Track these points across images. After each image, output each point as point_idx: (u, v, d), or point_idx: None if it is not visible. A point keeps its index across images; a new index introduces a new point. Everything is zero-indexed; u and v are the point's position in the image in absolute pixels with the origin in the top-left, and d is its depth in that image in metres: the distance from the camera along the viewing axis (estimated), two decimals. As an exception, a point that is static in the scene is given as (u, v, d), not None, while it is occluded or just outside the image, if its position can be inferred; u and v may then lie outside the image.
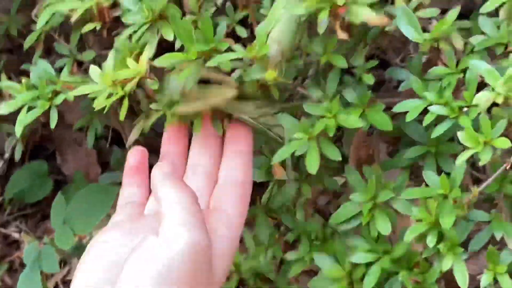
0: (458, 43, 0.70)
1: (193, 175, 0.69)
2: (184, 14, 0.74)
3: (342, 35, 0.63)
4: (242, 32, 0.72)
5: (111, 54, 0.70)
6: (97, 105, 0.69)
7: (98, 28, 0.76)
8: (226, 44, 0.66)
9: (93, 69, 0.71)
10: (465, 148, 0.66)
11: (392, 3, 0.72)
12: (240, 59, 0.68)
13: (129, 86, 0.68)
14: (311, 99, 0.75)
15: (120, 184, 1.02)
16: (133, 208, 0.68)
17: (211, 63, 0.65)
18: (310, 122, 0.73)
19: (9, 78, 0.86)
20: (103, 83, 0.70)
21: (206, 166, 0.70)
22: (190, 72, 0.66)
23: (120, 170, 1.03)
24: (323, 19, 0.61)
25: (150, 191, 0.69)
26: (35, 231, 1.27)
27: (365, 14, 0.61)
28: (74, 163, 1.31)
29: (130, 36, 0.71)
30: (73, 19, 0.72)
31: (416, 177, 0.90)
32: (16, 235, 1.24)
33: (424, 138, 0.78)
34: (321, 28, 0.62)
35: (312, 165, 0.69)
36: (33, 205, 1.29)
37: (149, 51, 0.68)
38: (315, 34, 0.74)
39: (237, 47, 0.67)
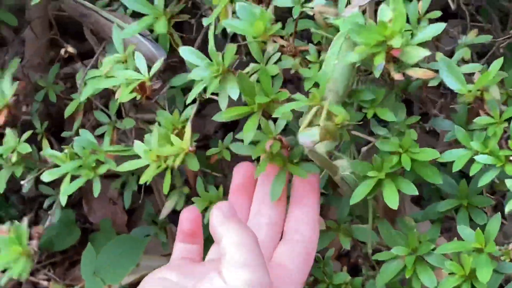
0: (495, 92, 0.73)
1: (257, 227, 0.69)
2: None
3: (397, 76, 0.65)
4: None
5: (155, 129, 0.75)
6: (144, 180, 0.73)
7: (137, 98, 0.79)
8: (285, 94, 0.71)
9: (138, 144, 0.75)
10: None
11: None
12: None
13: (173, 161, 0.73)
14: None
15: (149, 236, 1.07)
16: (192, 255, 0.70)
17: (275, 114, 0.69)
18: (381, 160, 0.74)
19: (50, 143, 0.91)
20: (147, 158, 0.74)
21: (271, 217, 0.71)
22: (254, 122, 0.71)
23: (149, 224, 1.08)
24: (379, 64, 0.64)
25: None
26: (64, 278, 1.31)
27: (420, 55, 0.64)
28: (101, 211, 1.35)
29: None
30: (117, 95, 0.76)
31: (444, 228, 0.94)
32: (45, 283, 1.28)
33: (454, 190, 0.81)
34: (377, 72, 0.64)
35: (392, 201, 0.71)
36: (61, 252, 1.34)
37: (189, 129, 0.72)
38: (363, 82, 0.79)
39: (299, 96, 0.70)
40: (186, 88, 0.81)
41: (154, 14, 0.78)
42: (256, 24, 0.68)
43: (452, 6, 0.74)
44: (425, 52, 0.64)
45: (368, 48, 0.63)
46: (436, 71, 0.71)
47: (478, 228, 0.72)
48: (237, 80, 0.70)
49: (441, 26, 0.66)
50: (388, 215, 0.90)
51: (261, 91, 0.70)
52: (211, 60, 0.72)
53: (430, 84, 0.74)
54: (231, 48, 0.72)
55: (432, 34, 0.66)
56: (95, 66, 0.86)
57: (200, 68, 0.73)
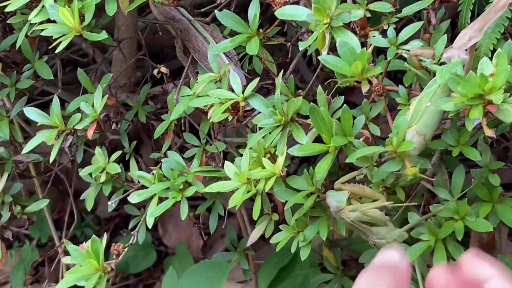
0: None
1: None
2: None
3: (489, 132, 0.65)
4: (375, 130, 0.76)
5: (246, 152, 0.75)
6: (233, 204, 0.74)
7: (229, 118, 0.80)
8: (363, 145, 0.72)
9: (228, 166, 0.76)
10: None
11: None
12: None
13: (264, 185, 0.73)
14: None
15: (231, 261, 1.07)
16: None
17: (349, 159, 0.71)
18: (437, 222, 0.78)
19: (137, 163, 0.93)
20: (238, 180, 0.75)
21: None
22: (328, 163, 0.72)
23: (231, 249, 1.09)
24: (476, 118, 0.64)
25: None
26: (138, 302, 1.33)
27: None
28: (176, 234, 1.37)
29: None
30: (210, 114, 0.77)
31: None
32: (120, 306, 1.30)
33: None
34: (471, 126, 0.64)
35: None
36: (135, 275, 1.36)
37: (283, 156, 0.73)
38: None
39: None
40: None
41: (247, 33, 0.79)
42: (355, 64, 0.69)
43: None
44: None
45: (465, 99, 0.63)
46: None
47: None
48: (311, 117, 0.71)
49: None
50: (484, 251, 0.89)
51: (340, 129, 0.72)
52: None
53: None
54: (296, 100, 0.74)
55: None
56: (184, 84, 0.87)
57: (263, 115, 0.75)
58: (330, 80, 0.77)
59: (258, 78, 0.77)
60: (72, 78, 1.46)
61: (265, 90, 0.85)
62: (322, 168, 0.72)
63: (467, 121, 0.65)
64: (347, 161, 0.71)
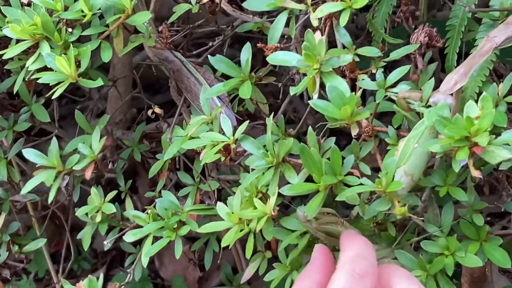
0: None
1: None
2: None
3: (475, 173, 0.67)
4: (365, 169, 0.78)
5: (238, 192, 0.77)
6: (226, 243, 0.75)
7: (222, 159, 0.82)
8: (354, 178, 0.74)
9: (220, 207, 0.78)
10: None
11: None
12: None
13: (256, 225, 0.75)
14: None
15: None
16: None
17: (340, 197, 0.72)
18: (428, 258, 0.80)
19: (132, 199, 0.95)
20: (230, 221, 0.77)
21: None
22: (318, 202, 0.73)
23: (226, 284, 1.10)
24: (462, 160, 0.66)
25: None
26: (135, 336, 1.33)
27: (503, 156, 0.64)
28: (172, 266, 1.38)
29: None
30: (202, 156, 0.79)
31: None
32: None
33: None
34: (457, 167, 0.66)
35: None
36: (132, 309, 1.36)
37: (274, 197, 0.75)
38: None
39: (365, 180, 0.73)
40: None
41: (240, 77, 0.81)
42: (344, 108, 0.71)
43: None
44: (509, 154, 0.64)
45: (452, 141, 0.65)
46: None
47: None
48: (302, 158, 0.73)
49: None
50: (475, 284, 0.90)
51: (330, 169, 0.73)
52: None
53: (501, 168, 0.73)
54: (286, 142, 0.76)
55: None
56: (178, 122, 0.89)
57: (256, 157, 0.77)
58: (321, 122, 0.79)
59: (248, 120, 0.79)
60: (68, 110, 1.48)
61: (256, 131, 0.87)
62: (313, 208, 0.73)
63: (453, 162, 0.67)
64: (336, 199, 0.73)
